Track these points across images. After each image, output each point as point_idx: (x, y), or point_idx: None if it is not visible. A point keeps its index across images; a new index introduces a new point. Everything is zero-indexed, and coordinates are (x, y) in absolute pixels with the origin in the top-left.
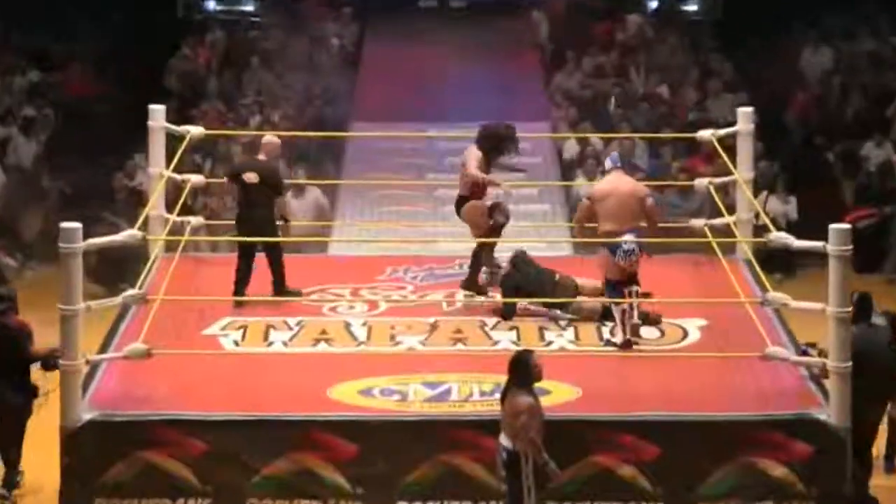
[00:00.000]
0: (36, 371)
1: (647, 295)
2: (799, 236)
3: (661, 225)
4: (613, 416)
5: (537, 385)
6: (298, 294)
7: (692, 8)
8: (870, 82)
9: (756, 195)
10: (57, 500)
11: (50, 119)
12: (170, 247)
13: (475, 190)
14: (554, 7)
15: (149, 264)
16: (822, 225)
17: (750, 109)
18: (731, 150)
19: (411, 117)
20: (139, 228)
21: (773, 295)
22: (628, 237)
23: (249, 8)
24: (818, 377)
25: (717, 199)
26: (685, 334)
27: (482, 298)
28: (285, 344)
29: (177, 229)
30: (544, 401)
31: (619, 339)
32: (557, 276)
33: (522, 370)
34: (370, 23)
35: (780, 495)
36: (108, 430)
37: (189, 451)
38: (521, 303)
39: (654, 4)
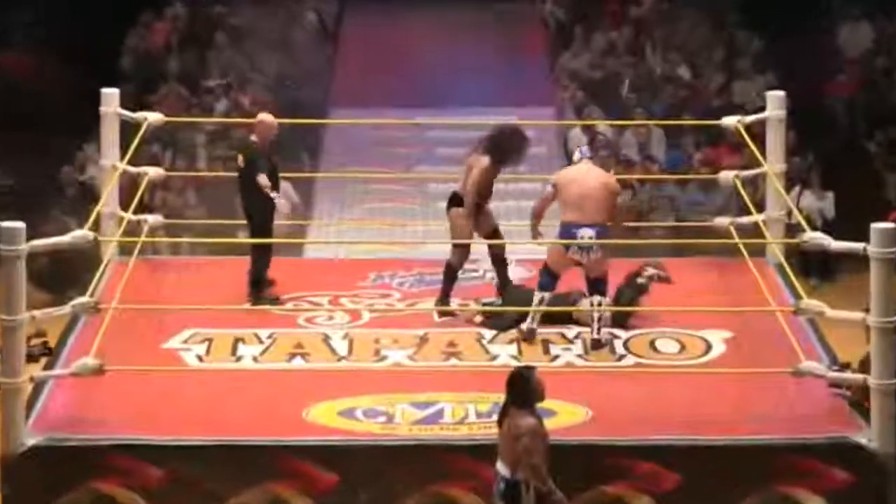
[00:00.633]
0: None
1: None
2: (837, 237)
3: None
4: (628, 441)
5: (540, 405)
6: (275, 301)
7: None
8: None
9: (788, 190)
10: None
11: None
12: (125, 249)
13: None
14: None
15: (101, 268)
16: (862, 224)
17: (781, 93)
18: (760, 139)
19: (397, 102)
20: (90, 228)
21: (808, 303)
22: (587, 231)
23: None
24: (856, 401)
25: (744, 194)
26: (708, 348)
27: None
28: (256, 359)
29: (132, 229)
30: (549, 423)
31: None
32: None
33: (522, 388)
34: None
35: None
36: (54, 457)
37: (146, 480)
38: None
39: None
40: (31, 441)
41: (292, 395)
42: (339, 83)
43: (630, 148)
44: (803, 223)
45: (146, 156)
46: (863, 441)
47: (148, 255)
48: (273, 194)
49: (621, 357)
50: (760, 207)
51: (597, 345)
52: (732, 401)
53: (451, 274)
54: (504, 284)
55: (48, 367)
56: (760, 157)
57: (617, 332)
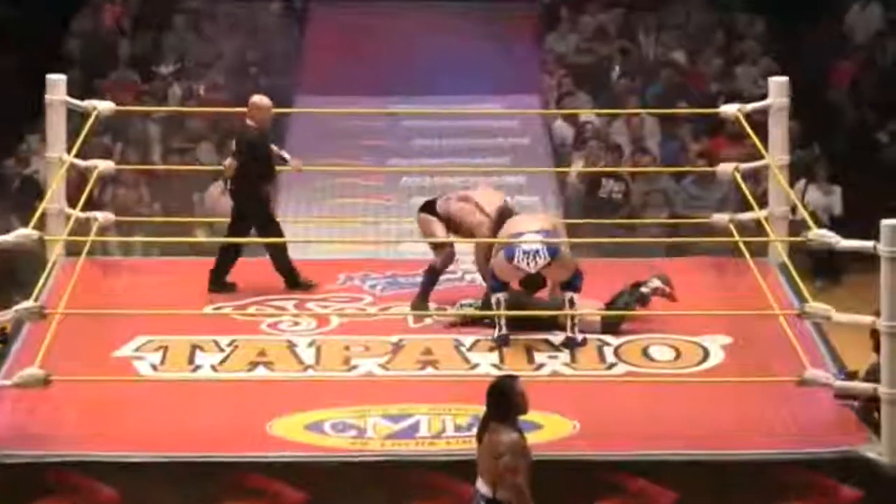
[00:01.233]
0: None
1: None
2: (844, 234)
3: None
4: (619, 455)
5: (524, 418)
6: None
7: None
8: None
9: (792, 184)
10: None
11: None
12: (73, 249)
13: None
14: None
15: (47, 270)
16: (872, 221)
17: (784, 79)
18: (762, 129)
19: (369, 90)
20: (35, 226)
21: (813, 306)
22: (531, 236)
23: None
24: (862, 412)
25: (744, 188)
26: (706, 355)
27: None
28: (215, 368)
29: (81, 227)
30: (534, 437)
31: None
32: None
33: (503, 400)
34: None
35: None
36: None
37: (97, 499)
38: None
39: None
40: None
41: (255, 407)
42: (307, 69)
43: (621, 137)
44: (808, 220)
45: (96, 148)
46: (872, 455)
47: (98, 255)
48: (288, 156)
49: (612, 365)
50: (762, 203)
51: (571, 343)
52: (732, 412)
53: (432, 277)
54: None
55: None
56: (762, 149)
57: (607, 338)
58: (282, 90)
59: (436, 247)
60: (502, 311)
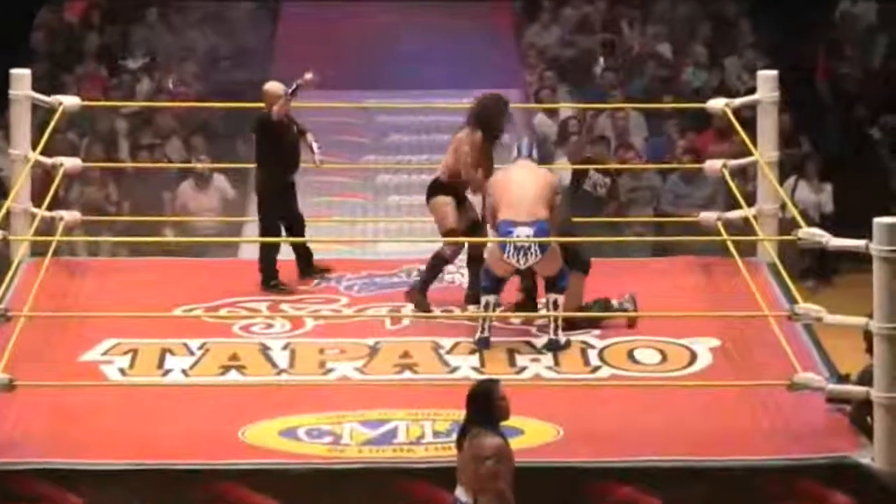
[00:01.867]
0: None
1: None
2: (836, 233)
3: (646, 219)
4: (604, 462)
5: (505, 424)
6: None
7: None
8: None
9: (782, 181)
10: None
11: None
12: (38, 249)
13: (454, 180)
14: None
15: (11, 271)
16: (864, 219)
17: (774, 73)
18: (751, 125)
19: (344, 84)
20: None
21: (804, 307)
22: (523, 230)
23: None
24: (854, 417)
25: (732, 186)
26: (693, 358)
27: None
28: (185, 373)
29: (46, 227)
30: (516, 443)
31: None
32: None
33: (484, 405)
34: None
35: None
36: None
37: None
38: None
39: None
40: None
41: (227, 413)
42: (280, 63)
43: (606, 132)
44: (799, 218)
45: (62, 144)
46: (865, 461)
47: (64, 255)
48: (316, 149)
49: (596, 368)
50: (751, 200)
51: (554, 346)
52: (720, 417)
53: (437, 266)
54: (475, 287)
55: None
56: (751, 145)
57: (591, 340)
58: (254, 84)
59: (446, 233)
60: (490, 313)
